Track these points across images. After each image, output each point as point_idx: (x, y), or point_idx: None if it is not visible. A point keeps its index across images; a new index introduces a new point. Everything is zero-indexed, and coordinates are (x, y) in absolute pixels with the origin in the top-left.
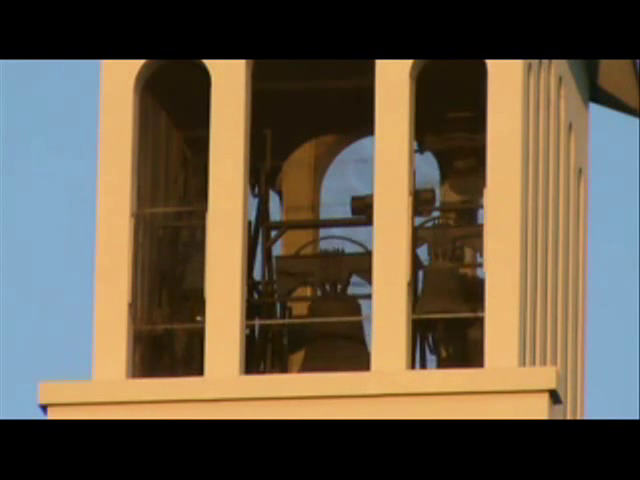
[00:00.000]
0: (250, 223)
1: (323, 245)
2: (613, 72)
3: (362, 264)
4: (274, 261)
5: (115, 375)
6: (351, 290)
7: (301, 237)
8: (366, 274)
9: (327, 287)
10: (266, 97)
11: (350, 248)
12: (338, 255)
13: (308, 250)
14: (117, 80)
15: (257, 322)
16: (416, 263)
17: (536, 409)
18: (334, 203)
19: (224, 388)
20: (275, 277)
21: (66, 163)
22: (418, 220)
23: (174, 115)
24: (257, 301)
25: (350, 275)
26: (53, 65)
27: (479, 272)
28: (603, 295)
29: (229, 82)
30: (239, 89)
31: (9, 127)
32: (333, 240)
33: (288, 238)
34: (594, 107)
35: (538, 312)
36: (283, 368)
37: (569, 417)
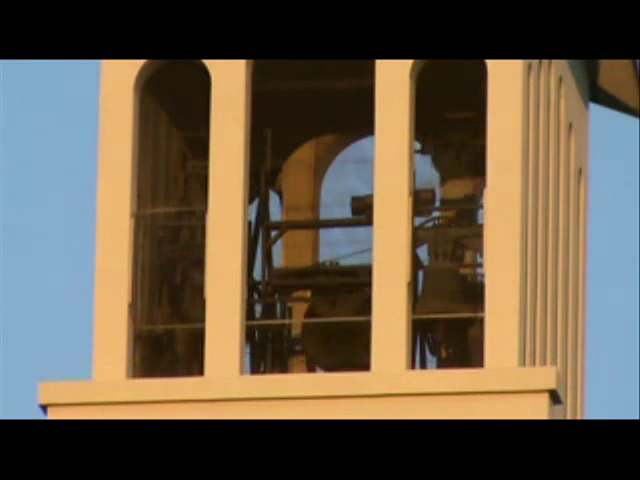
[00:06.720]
0: (250, 223)
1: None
2: (613, 72)
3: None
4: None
5: (115, 375)
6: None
7: (301, 237)
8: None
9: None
10: (266, 97)
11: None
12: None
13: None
14: (117, 80)
15: (257, 322)
16: (416, 263)
17: (536, 409)
18: (334, 203)
19: (224, 388)
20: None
21: (66, 163)
22: (418, 220)
23: (174, 115)
24: (257, 301)
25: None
26: (53, 65)
27: (479, 272)
28: (603, 295)
29: (229, 82)
30: (239, 89)
31: (9, 127)
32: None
33: (288, 238)
34: (594, 107)
35: (538, 312)
36: (283, 368)
37: (569, 417)
